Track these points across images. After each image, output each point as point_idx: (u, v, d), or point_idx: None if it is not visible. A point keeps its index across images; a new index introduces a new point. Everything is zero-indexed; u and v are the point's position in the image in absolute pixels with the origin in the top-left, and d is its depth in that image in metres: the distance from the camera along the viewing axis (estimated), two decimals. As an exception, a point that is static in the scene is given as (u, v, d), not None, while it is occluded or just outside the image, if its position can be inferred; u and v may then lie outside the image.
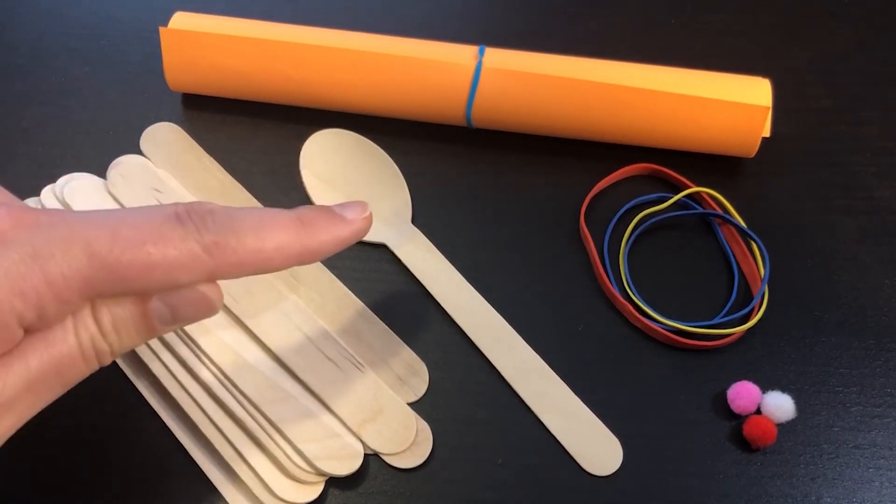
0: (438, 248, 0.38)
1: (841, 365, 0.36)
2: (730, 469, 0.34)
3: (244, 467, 0.33)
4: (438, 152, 0.42)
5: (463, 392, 0.36)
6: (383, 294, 0.38)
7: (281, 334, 0.35)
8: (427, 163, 0.41)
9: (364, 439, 0.33)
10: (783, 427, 0.35)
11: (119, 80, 0.44)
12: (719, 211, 0.40)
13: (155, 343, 0.35)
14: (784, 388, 0.35)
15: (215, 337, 0.35)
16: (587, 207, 0.40)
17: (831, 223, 0.40)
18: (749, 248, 0.39)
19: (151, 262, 0.24)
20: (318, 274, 0.38)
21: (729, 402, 0.35)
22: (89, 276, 0.23)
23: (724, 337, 0.36)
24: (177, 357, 0.35)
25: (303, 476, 0.32)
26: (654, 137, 0.40)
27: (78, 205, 0.37)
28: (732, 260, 0.39)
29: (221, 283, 0.36)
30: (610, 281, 0.38)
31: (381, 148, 0.40)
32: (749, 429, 0.34)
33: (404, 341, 0.36)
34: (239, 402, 0.34)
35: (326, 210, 0.28)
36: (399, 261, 0.38)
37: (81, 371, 0.25)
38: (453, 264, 0.38)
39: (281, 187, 0.40)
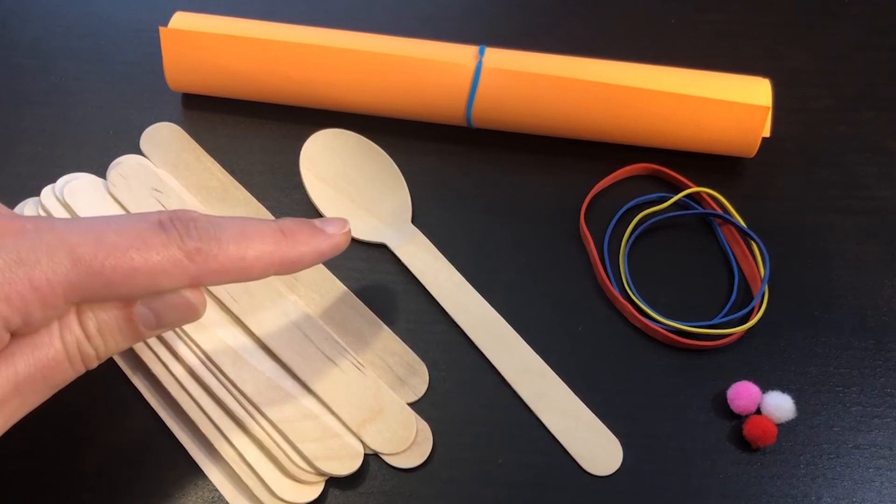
0: (438, 248, 0.38)
1: (841, 365, 0.36)
2: (730, 469, 0.34)
3: (244, 467, 0.33)
4: (438, 152, 0.42)
5: (463, 392, 0.36)
6: (383, 294, 0.38)
7: (281, 334, 0.35)
8: (427, 163, 0.41)
9: (364, 439, 0.33)
10: (783, 427, 0.35)
11: (119, 80, 0.44)
12: (719, 211, 0.40)
13: (155, 343, 0.35)
14: (784, 388, 0.35)
15: (215, 337, 0.35)
16: (587, 207, 0.40)
17: (831, 223, 0.40)
18: (749, 248, 0.39)
19: (135, 268, 0.24)
20: (318, 274, 0.38)
21: (729, 402, 0.35)
22: (74, 280, 0.24)
23: (724, 337, 0.36)
24: (177, 357, 0.35)
25: (303, 476, 0.32)
26: (654, 137, 0.40)
27: (78, 205, 0.37)
28: (732, 260, 0.39)
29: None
30: (610, 281, 0.38)
31: (381, 148, 0.40)
32: (749, 429, 0.34)
33: (404, 341, 0.36)
34: (239, 402, 0.34)
35: (308, 223, 0.29)
36: (399, 261, 0.38)
37: (68, 374, 0.26)
38: (453, 264, 0.38)
39: (281, 187, 0.40)
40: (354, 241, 0.39)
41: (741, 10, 0.48)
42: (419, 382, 0.35)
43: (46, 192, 0.38)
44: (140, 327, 0.26)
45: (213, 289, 0.36)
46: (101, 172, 0.39)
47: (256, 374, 0.34)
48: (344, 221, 0.30)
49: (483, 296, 0.37)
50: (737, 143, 0.40)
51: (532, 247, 0.39)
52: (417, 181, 0.40)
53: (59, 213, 0.37)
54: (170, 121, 0.42)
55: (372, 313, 0.37)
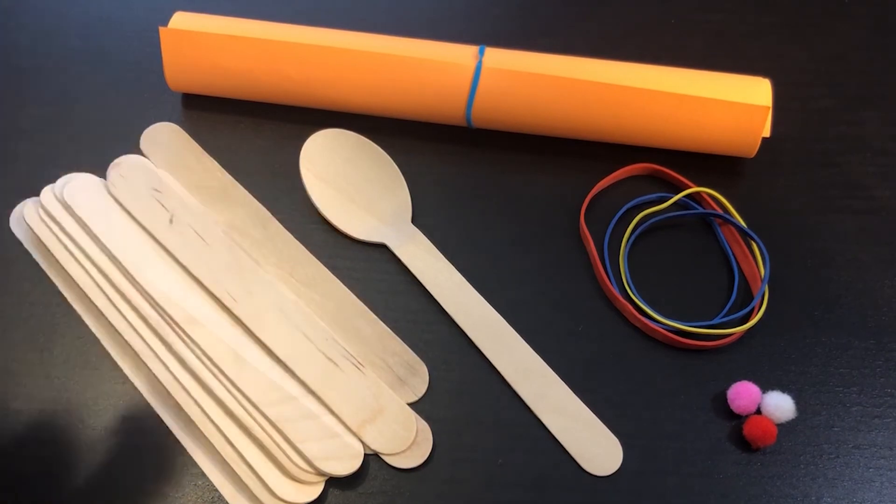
0: (438, 248, 0.38)
1: (841, 365, 0.36)
2: (730, 469, 0.34)
3: (244, 467, 0.33)
4: (438, 152, 0.42)
5: (463, 392, 0.36)
6: (383, 294, 0.38)
7: (281, 334, 0.35)
8: (427, 163, 0.41)
9: (364, 439, 0.33)
10: (783, 427, 0.35)
11: (119, 80, 0.44)
12: (719, 211, 0.40)
13: (155, 343, 0.35)
14: (784, 388, 0.35)
15: (215, 337, 0.35)
16: (587, 207, 0.40)
17: (831, 223, 0.40)
18: (749, 248, 0.39)
19: None
20: (318, 274, 0.38)
21: (729, 402, 0.35)
22: None
23: (724, 337, 0.36)
24: (177, 357, 0.35)
25: (303, 476, 0.32)
26: (654, 137, 0.40)
27: (78, 205, 0.37)
28: (732, 260, 0.39)
29: (221, 282, 0.36)
30: (610, 281, 0.38)
31: (381, 148, 0.40)
32: (749, 429, 0.34)
33: (404, 341, 0.36)
34: (239, 402, 0.34)
35: None
36: (399, 261, 0.38)
37: None
38: (453, 264, 0.38)
39: (281, 187, 0.40)
40: (354, 241, 0.39)
41: (741, 10, 0.48)
42: (419, 382, 0.35)
43: (46, 192, 0.38)
44: None
45: (212, 289, 0.36)
46: (101, 172, 0.39)
47: (256, 374, 0.34)
48: None
49: (483, 296, 0.37)
50: (737, 143, 0.40)
51: (532, 247, 0.39)
52: (417, 181, 0.40)
53: (59, 212, 0.37)
54: (170, 121, 0.42)
55: (372, 313, 0.37)
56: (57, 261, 0.37)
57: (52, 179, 0.38)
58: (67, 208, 0.37)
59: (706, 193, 0.40)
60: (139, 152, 0.41)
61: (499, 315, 0.37)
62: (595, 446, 0.34)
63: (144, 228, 0.37)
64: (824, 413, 0.35)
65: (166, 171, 0.40)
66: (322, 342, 0.35)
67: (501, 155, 0.42)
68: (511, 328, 0.37)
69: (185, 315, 0.35)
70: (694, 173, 0.41)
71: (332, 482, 0.33)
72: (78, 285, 0.37)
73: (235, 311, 0.35)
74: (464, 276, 0.38)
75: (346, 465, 0.33)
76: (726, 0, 0.48)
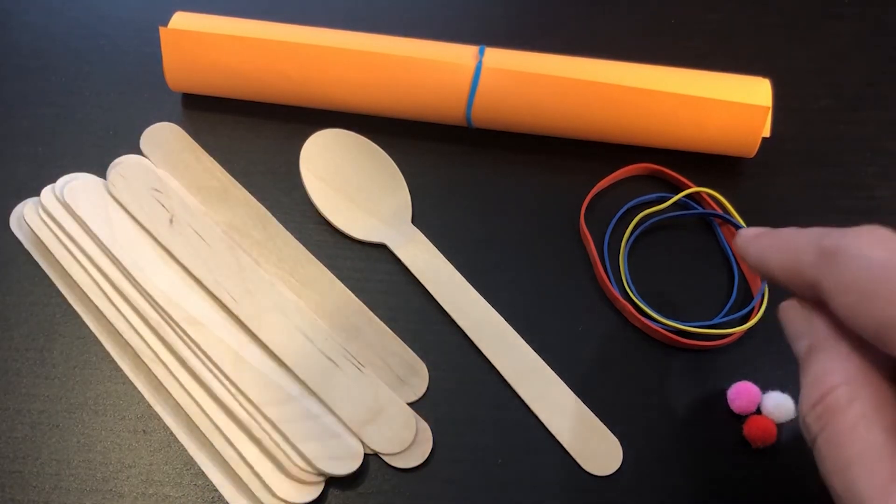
0: (438, 248, 0.38)
1: (841, 365, 0.36)
2: (730, 469, 0.34)
3: (244, 467, 0.33)
4: (438, 152, 0.42)
5: (463, 392, 0.36)
6: (383, 294, 0.38)
7: (281, 334, 0.35)
8: (427, 163, 0.41)
9: (364, 439, 0.33)
10: (783, 427, 0.35)
11: (119, 80, 0.44)
12: (719, 211, 0.40)
13: (155, 343, 0.35)
14: (784, 388, 0.35)
15: (215, 337, 0.35)
16: (587, 207, 0.40)
17: (831, 223, 0.40)
18: (749, 248, 0.39)
19: None
20: (318, 274, 0.38)
21: (729, 402, 0.35)
22: None
23: (724, 337, 0.36)
24: (177, 357, 0.35)
25: (303, 476, 0.32)
26: (654, 137, 0.40)
27: (78, 205, 0.37)
28: (732, 260, 0.39)
29: (221, 282, 0.36)
30: (610, 281, 0.38)
31: (381, 148, 0.40)
32: (749, 429, 0.34)
33: (404, 341, 0.36)
34: (239, 402, 0.34)
35: None
36: (399, 261, 0.38)
37: None
38: (453, 264, 0.38)
39: (281, 187, 0.40)
40: (354, 241, 0.39)
41: (741, 10, 0.48)
42: (419, 382, 0.35)
43: (46, 192, 0.38)
44: None
45: (212, 288, 0.36)
46: (101, 172, 0.39)
47: (256, 374, 0.34)
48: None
49: (483, 296, 0.37)
50: (737, 143, 0.40)
51: (532, 247, 0.39)
52: (417, 181, 0.40)
53: (60, 213, 0.37)
54: (170, 121, 0.42)
55: (372, 313, 0.37)
56: (57, 261, 0.37)
57: (53, 179, 0.38)
58: (67, 208, 0.37)
59: (706, 193, 0.40)
60: (139, 152, 0.41)
61: (499, 315, 0.37)
62: (595, 446, 0.34)
63: (144, 228, 0.37)
64: (824, 413, 0.35)
65: (166, 171, 0.40)
66: (322, 342, 0.35)
67: (501, 155, 0.42)
68: (511, 328, 0.37)
69: (185, 315, 0.35)
70: (694, 173, 0.41)
71: (332, 482, 0.33)
72: (78, 285, 0.37)
73: (235, 311, 0.35)
74: (464, 276, 0.38)
75: (346, 465, 0.33)
76: (726, 0, 0.48)
